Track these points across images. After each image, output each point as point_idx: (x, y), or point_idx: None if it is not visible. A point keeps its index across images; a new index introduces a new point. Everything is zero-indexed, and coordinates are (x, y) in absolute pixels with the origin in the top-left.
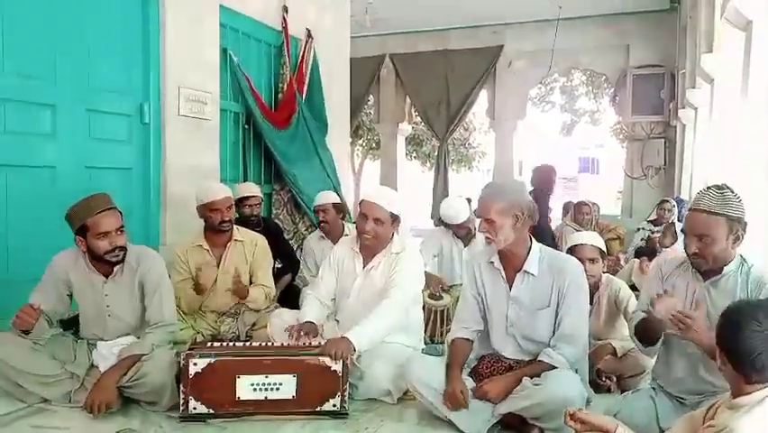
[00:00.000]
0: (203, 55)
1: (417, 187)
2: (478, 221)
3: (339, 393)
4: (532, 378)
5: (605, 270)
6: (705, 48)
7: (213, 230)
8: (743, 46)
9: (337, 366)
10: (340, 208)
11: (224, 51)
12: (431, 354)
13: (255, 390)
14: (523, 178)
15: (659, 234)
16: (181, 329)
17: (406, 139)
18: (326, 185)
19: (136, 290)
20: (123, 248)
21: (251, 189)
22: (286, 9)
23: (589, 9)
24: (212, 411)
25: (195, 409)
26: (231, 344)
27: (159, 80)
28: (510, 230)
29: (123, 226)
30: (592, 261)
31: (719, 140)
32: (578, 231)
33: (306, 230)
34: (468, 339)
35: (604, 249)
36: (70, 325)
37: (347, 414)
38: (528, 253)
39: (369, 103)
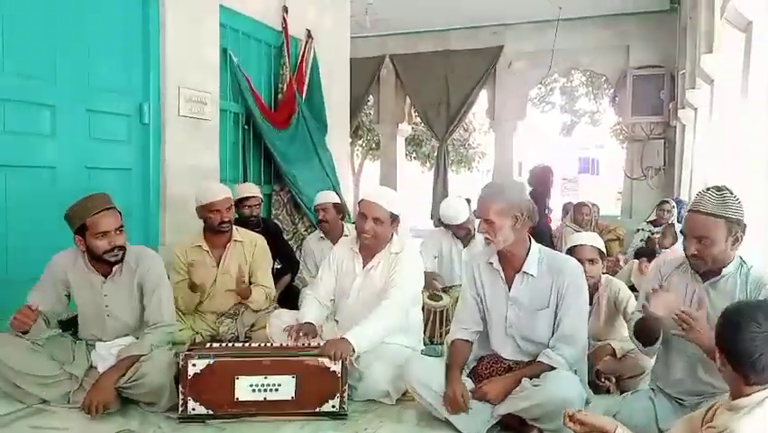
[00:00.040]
0: (203, 55)
1: (417, 187)
2: (477, 221)
3: (338, 394)
4: (531, 379)
5: (604, 270)
6: (705, 48)
7: (212, 231)
8: (743, 47)
9: (336, 367)
10: (340, 208)
11: (223, 52)
12: (430, 355)
13: (254, 391)
14: (522, 178)
15: (659, 235)
16: (180, 330)
17: (405, 139)
18: (326, 185)
19: (135, 291)
20: (122, 248)
21: (251, 190)
22: (286, 9)
23: (589, 10)
24: (211, 412)
25: (193, 409)
26: (230, 344)
27: (158, 80)
28: (509, 231)
29: (122, 226)
30: (592, 261)
31: (719, 140)
32: (577, 232)
33: (306, 231)
34: (467, 340)
35: (603, 250)
36: (69, 325)
37: (346, 415)
38: (527, 253)
39: (368, 103)
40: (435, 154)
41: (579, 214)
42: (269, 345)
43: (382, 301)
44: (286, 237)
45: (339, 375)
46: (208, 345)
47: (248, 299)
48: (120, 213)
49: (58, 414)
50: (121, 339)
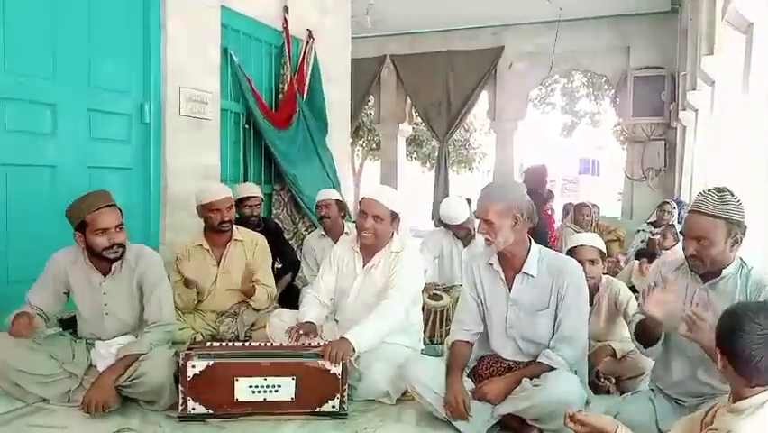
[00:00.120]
0: (204, 55)
1: (417, 187)
2: (477, 222)
3: (338, 395)
4: (531, 379)
5: (605, 271)
6: (706, 50)
7: (213, 230)
8: (743, 48)
9: (336, 369)
10: (341, 206)
11: (224, 51)
12: (430, 355)
13: (254, 392)
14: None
15: (658, 236)
16: (180, 329)
17: (406, 140)
18: (326, 185)
19: (134, 290)
20: (122, 245)
21: (252, 190)
22: (287, 10)
23: (590, 11)
24: (210, 412)
25: (193, 409)
26: (230, 343)
27: (159, 80)
28: (509, 231)
29: (122, 224)
30: (592, 262)
31: (720, 142)
32: (578, 232)
33: (306, 230)
34: (468, 342)
35: (604, 250)
36: (69, 324)
37: (346, 414)
38: (527, 254)
39: (369, 103)
40: (436, 154)
41: (579, 214)
42: (269, 344)
43: (382, 301)
44: (286, 237)
45: (339, 377)
46: (208, 344)
47: (251, 298)
48: (120, 210)
49: (57, 413)
50: (120, 338)
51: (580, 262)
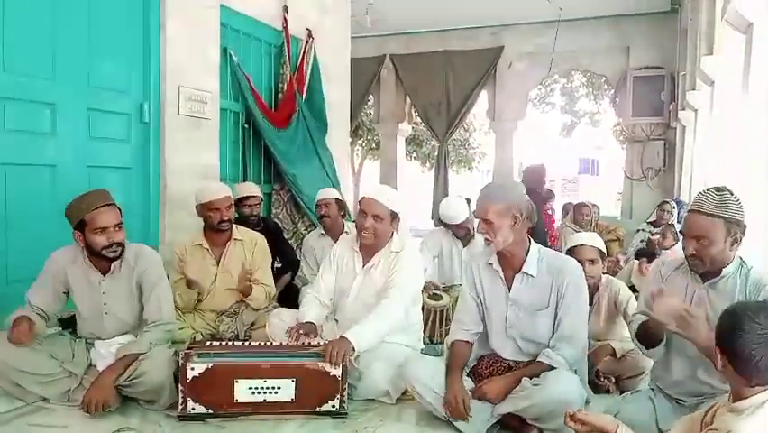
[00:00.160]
0: (203, 54)
1: (417, 187)
2: (477, 221)
3: (338, 395)
4: (531, 378)
5: (605, 271)
6: (705, 50)
7: (212, 229)
8: (743, 48)
9: (336, 371)
10: (341, 205)
11: (224, 51)
12: (430, 355)
13: (253, 393)
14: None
15: (657, 236)
16: (180, 329)
17: (405, 139)
18: (326, 185)
19: (134, 289)
20: (121, 244)
21: (251, 189)
22: (286, 9)
23: (590, 11)
24: (210, 411)
25: (193, 409)
26: (230, 343)
27: (159, 79)
28: (509, 231)
29: (121, 223)
30: (592, 261)
31: (719, 142)
32: (577, 232)
33: (306, 230)
34: (467, 342)
35: (604, 250)
36: (68, 323)
37: (346, 414)
38: (527, 254)
39: (369, 103)
40: (435, 154)
41: (579, 214)
42: (268, 343)
43: (382, 300)
44: (286, 236)
45: (339, 379)
46: (208, 343)
47: (248, 297)
48: (119, 209)
49: (57, 412)
50: (120, 337)
51: (579, 261)
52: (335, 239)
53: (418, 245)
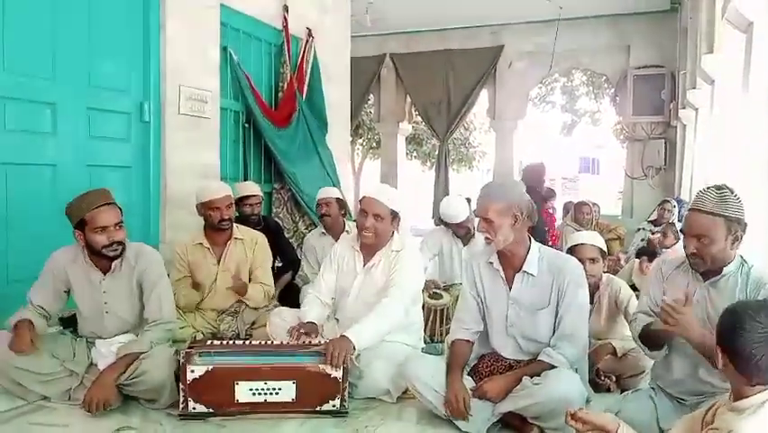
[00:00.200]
0: (203, 54)
1: (417, 186)
2: (477, 220)
3: (339, 395)
4: (532, 377)
5: (605, 270)
6: (705, 49)
7: (213, 228)
8: (743, 47)
9: (337, 373)
10: (342, 204)
11: (224, 50)
12: (430, 354)
13: (254, 394)
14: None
15: (658, 235)
16: (181, 328)
17: (406, 138)
18: (326, 184)
19: (134, 288)
20: (121, 243)
21: (252, 189)
22: (286, 8)
23: (590, 9)
24: (211, 411)
25: (194, 408)
26: (230, 342)
27: (159, 79)
28: (509, 230)
29: (121, 222)
30: (593, 260)
31: (720, 140)
32: (578, 231)
33: (306, 229)
34: (468, 341)
35: (604, 249)
36: (69, 322)
37: (347, 413)
38: (527, 253)
39: (369, 102)
40: (436, 153)
41: (579, 213)
42: (269, 342)
43: (382, 299)
44: (286, 235)
45: (339, 380)
46: (209, 342)
47: (244, 297)
48: (120, 208)
49: (58, 411)
50: (121, 336)
51: (580, 260)
52: (336, 238)
53: (418, 244)
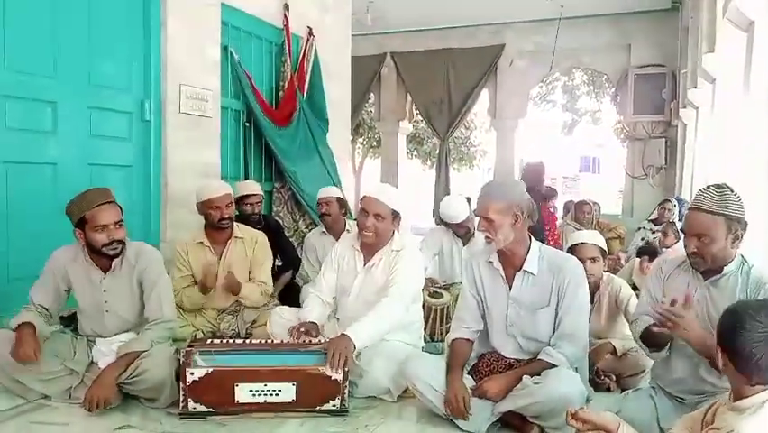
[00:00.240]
0: (204, 53)
1: (418, 185)
2: (477, 220)
3: (339, 396)
4: (532, 376)
5: (605, 269)
6: (706, 48)
7: (213, 227)
8: (744, 46)
9: (338, 376)
10: (342, 204)
11: (225, 49)
12: (431, 353)
13: (254, 395)
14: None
15: (658, 234)
16: (181, 327)
17: (406, 137)
18: (327, 182)
19: (135, 287)
20: (122, 242)
21: (252, 188)
22: (287, 7)
23: (591, 8)
24: (211, 410)
25: (194, 408)
26: (231, 341)
27: (160, 78)
28: (509, 229)
29: (121, 220)
30: (593, 260)
31: (720, 140)
32: (578, 230)
33: (307, 228)
34: (468, 339)
35: (605, 248)
36: (70, 321)
37: (347, 412)
38: (527, 252)
39: (369, 101)
40: (437, 152)
41: (580, 212)
42: (269, 341)
43: (382, 299)
44: (287, 234)
45: (340, 382)
46: (209, 341)
47: (239, 296)
48: (120, 207)
49: (59, 410)
50: (121, 335)
51: (580, 259)
52: (337, 237)
53: (418, 244)
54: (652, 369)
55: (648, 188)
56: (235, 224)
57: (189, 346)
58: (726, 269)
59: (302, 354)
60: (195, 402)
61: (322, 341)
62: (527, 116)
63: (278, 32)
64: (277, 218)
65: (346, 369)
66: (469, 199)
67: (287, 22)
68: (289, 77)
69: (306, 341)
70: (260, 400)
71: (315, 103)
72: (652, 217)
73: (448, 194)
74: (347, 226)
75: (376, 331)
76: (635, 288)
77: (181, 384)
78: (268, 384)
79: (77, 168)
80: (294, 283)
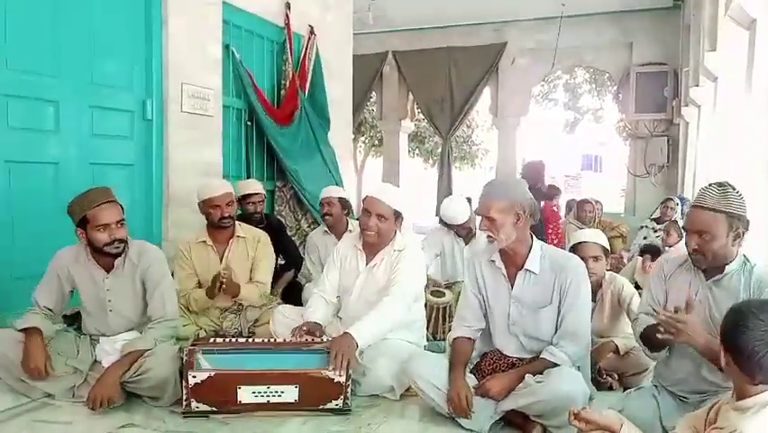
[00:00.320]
0: (205, 52)
1: (419, 184)
2: (478, 219)
3: (342, 395)
4: (534, 375)
5: (608, 268)
6: (708, 46)
7: (214, 226)
8: (746, 44)
9: (341, 378)
10: (344, 204)
11: (226, 48)
12: (433, 351)
13: (257, 396)
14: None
15: (661, 233)
16: (184, 325)
17: (408, 136)
18: (328, 181)
19: (138, 286)
20: (123, 241)
21: (254, 187)
22: (288, 6)
23: (593, 7)
24: (214, 409)
25: (197, 407)
26: (233, 340)
27: (161, 77)
28: (511, 228)
29: (123, 219)
30: (595, 258)
31: (723, 138)
32: (581, 229)
33: (309, 227)
34: (470, 338)
35: (607, 247)
36: (73, 320)
37: (350, 410)
38: (529, 251)
39: (371, 100)
40: (438, 151)
41: (582, 211)
42: (272, 340)
43: (384, 298)
44: (289, 233)
45: (343, 384)
46: (212, 340)
47: (237, 297)
48: (121, 206)
49: (62, 408)
50: (125, 334)
51: (583, 258)
52: (339, 237)
53: (421, 243)
54: (654, 368)
55: (650, 187)
56: (237, 223)
57: (192, 345)
58: (727, 268)
59: (305, 353)
60: (197, 402)
61: (324, 339)
62: (529, 115)
63: (280, 30)
64: (279, 217)
65: (349, 371)
66: (469, 200)
67: (288, 20)
68: (291, 75)
69: (309, 339)
70: (263, 400)
71: (316, 102)
72: (654, 216)
73: (450, 193)
74: (350, 226)
75: (378, 330)
76: (637, 286)
77: (184, 384)
78: (270, 386)
79: (79, 167)
80: (296, 282)
